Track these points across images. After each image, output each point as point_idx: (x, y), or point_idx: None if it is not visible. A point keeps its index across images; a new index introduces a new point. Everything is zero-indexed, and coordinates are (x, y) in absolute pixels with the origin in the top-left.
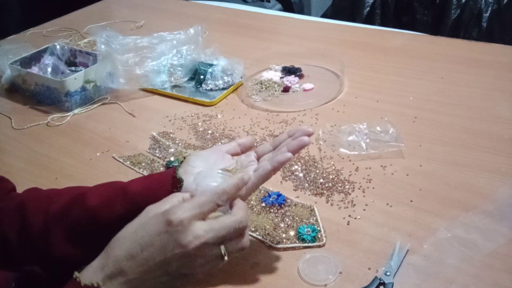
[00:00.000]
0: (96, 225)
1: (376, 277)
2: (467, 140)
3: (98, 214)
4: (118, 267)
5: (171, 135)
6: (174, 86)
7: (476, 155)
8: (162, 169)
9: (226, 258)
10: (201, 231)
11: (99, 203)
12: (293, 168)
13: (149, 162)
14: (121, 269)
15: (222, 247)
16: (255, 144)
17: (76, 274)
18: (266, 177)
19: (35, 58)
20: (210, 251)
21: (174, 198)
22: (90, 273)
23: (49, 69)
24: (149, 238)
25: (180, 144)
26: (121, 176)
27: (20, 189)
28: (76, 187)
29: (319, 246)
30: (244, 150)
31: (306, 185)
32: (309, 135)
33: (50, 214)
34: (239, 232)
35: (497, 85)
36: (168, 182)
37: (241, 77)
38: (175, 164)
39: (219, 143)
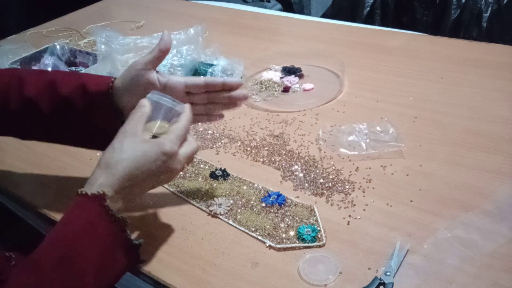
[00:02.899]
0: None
1: (376, 277)
2: (467, 140)
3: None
4: (122, 185)
5: None
6: None
7: (476, 155)
8: None
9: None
10: (182, 158)
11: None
12: (293, 168)
13: None
14: (124, 186)
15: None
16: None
17: (81, 190)
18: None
19: (35, 58)
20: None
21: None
22: (95, 187)
23: (49, 69)
24: (148, 164)
25: None
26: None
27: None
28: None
29: (319, 246)
30: (164, 52)
31: (306, 185)
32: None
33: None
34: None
35: (497, 85)
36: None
37: (241, 77)
38: None
39: (219, 143)
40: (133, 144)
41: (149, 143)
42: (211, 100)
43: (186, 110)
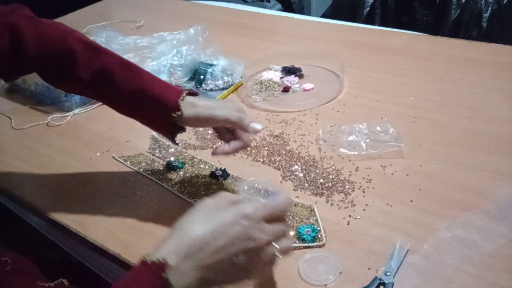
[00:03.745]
0: None
1: (376, 277)
2: (467, 140)
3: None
4: (192, 250)
5: None
6: None
7: (476, 155)
8: (162, 169)
9: (280, 256)
10: (268, 230)
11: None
12: (293, 168)
13: (149, 162)
14: (194, 253)
15: (276, 246)
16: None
17: (144, 255)
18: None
19: None
20: (271, 250)
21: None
22: (161, 253)
23: None
24: (223, 227)
25: (180, 144)
26: (121, 176)
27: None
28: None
29: (319, 246)
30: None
31: (306, 185)
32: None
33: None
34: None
35: (497, 85)
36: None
37: (241, 77)
38: (175, 164)
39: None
40: (211, 210)
41: (229, 207)
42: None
43: (281, 195)
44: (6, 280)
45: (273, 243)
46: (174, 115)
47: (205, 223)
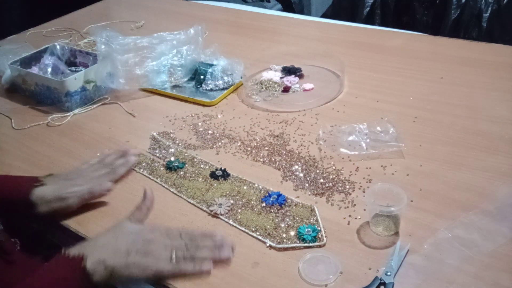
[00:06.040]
0: None
1: (376, 277)
2: (467, 140)
3: None
4: (106, 246)
5: (171, 135)
6: (174, 86)
7: (476, 155)
8: (162, 169)
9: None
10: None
11: None
12: (293, 168)
13: (149, 162)
14: (107, 247)
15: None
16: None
17: (63, 251)
18: None
19: (35, 58)
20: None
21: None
22: (78, 249)
23: (49, 69)
24: (128, 226)
25: (180, 144)
26: (121, 176)
27: None
28: None
29: (320, 246)
30: None
31: (307, 185)
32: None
33: None
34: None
35: (497, 85)
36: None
37: (241, 77)
38: (175, 164)
39: (220, 143)
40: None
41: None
42: None
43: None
44: (16, 259)
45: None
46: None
47: (117, 226)
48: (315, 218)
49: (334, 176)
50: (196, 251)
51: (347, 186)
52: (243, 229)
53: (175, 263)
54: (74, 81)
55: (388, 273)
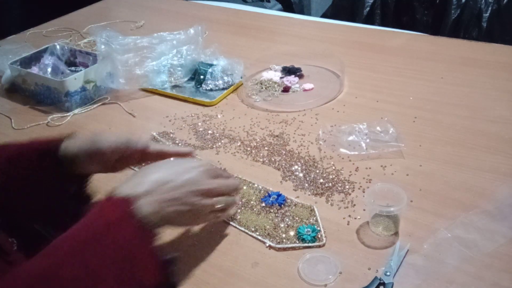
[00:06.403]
0: None
1: (376, 277)
2: (467, 140)
3: None
4: (152, 188)
5: (171, 135)
6: (174, 86)
7: (476, 155)
8: None
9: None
10: (214, 182)
11: None
12: (293, 168)
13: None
14: (153, 190)
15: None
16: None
17: (109, 193)
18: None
19: (35, 58)
20: (215, 200)
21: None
22: (124, 191)
23: (49, 69)
24: (181, 170)
25: (180, 144)
26: (122, 176)
27: None
28: None
29: (319, 246)
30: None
31: (306, 185)
32: None
33: None
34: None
35: (497, 85)
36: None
37: (241, 77)
38: None
39: (219, 143)
40: (170, 162)
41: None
42: None
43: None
44: (14, 259)
45: (218, 198)
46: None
47: (164, 165)
48: (314, 218)
49: (334, 176)
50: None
51: (347, 186)
52: (242, 229)
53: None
54: (74, 81)
55: (388, 273)
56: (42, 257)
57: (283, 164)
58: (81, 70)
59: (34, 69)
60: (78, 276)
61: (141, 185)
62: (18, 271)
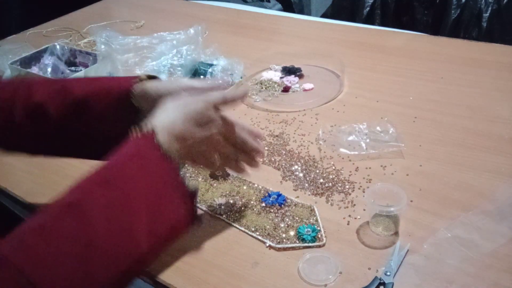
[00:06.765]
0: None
1: (376, 277)
2: (467, 140)
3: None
4: (168, 125)
5: None
6: None
7: (476, 155)
8: None
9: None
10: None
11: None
12: (293, 168)
13: None
14: (170, 127)
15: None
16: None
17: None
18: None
19: (35, 58)
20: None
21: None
22: (148, 126)
23: (49, 69)
24: (191, 105)
25: None
26: None
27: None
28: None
29: (319, 246)
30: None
31: (306, 185)
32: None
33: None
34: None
35: (497, 85)
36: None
37: (241, 77)
38: None
39: None
40: (182, 104)
41: (204, 103)
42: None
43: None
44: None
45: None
46: (134, 82)
47: (174, 104)
48: (314, 218)
49: (334, 176)
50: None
51: (347, 186)
52: (242, 229)
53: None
54: None
55: (388, 273)
56: (75, 188)
57: (283, 164)
58: (81, 70)
59: (34, 69)
60: (112, 200)
61: (159, 124)
62: (50, 204)
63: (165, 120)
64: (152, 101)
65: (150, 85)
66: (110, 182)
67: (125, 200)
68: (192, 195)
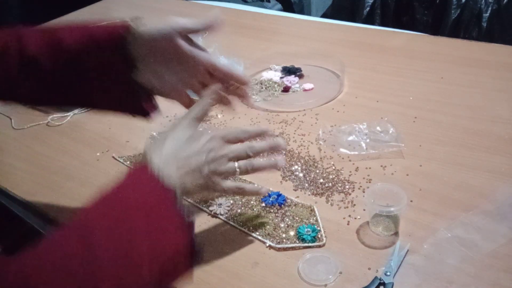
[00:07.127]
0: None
1: (376, 277)
2: (467, 140)
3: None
4: (170, 157)
5: None
6: None
7: (476, 155)
8: None
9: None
10: (227, 148)
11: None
12: (293, 168)
13: None
14: (172, 159)
15: (236, 163)
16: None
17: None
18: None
19: None
20: (230, 165)
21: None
22: (150, 159)
23: None
24: (192, 138)
25: None
26: None
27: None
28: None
29: (319, 246)
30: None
31: (306, 185)
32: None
33: None
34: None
35: (497, 85)
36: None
37: None
38: None
39: None
40: (181, 128)
41: (205, 130)
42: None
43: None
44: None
45: (233, 162)
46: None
47: (176, 135)
48: (314, 218)
49: (334, 176)
50: (254, 160)
51: (347, 186)
52: (242, 229)
53: (239, 176)
54: None
55: (388, 273)
56: (76, 219)
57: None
58: None
59: None
60: (112, 232)
61: (162, 157)
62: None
63: (162, 152)
64: (146, 45)
65: (143, 29)
66: (111, 212)
67: (127, 227)
68: (189, 225)
